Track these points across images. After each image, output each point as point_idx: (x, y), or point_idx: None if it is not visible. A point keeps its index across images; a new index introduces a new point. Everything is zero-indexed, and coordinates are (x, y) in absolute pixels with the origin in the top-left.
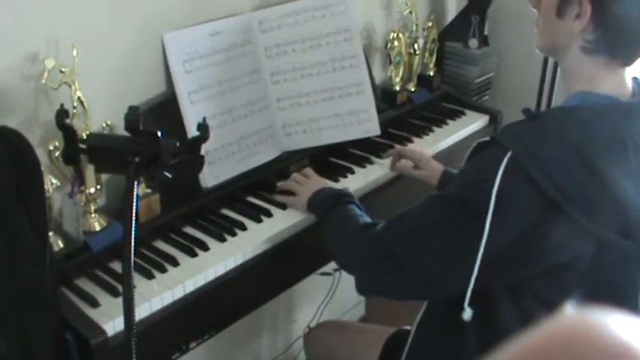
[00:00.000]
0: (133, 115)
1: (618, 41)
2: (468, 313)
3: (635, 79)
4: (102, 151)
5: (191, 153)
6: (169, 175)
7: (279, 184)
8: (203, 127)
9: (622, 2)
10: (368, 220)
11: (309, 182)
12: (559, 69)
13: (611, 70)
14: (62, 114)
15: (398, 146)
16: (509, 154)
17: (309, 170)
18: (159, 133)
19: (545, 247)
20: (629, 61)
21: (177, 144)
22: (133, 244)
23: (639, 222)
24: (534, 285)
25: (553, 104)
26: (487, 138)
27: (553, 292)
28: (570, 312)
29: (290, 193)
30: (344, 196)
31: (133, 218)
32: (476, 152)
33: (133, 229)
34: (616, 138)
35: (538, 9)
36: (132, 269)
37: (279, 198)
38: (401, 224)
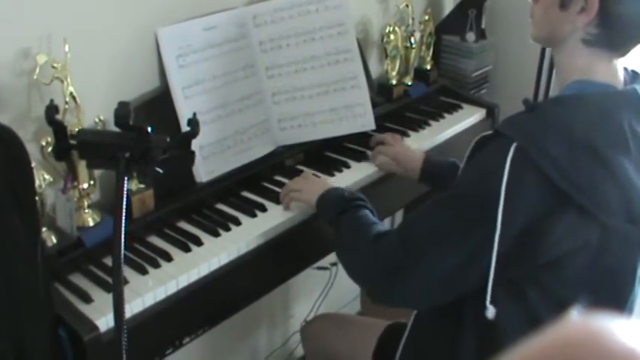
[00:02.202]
0: (122, 111)
1: (620, 36)
2: (491, 312)
3: (626, 69)
4: (92, 147)
5: (181, 148)
6: (160, 171)
7: (282, 192)
8: (193, 123)
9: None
10: (379, 228)
11: (312, 181)
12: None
13: (608, 62)
14: (52, 109)
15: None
16: (514, 145)
17: (308, 173)
18: (149, 129)
19: (553, 237)
20: (625, 54)
21: (168, 139)
22: (123, 239)
23: None
24: (537, 276)
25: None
26: (489, 132)
27: (556, 282)
28: (575, 317)
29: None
30: (357, 199)
31: (124, 214)
32: (478, 148)
33: (125, 224)
34: (616, 125)
35: None
36: (122, 265)
37: (284, 197)
38: (412, 234)
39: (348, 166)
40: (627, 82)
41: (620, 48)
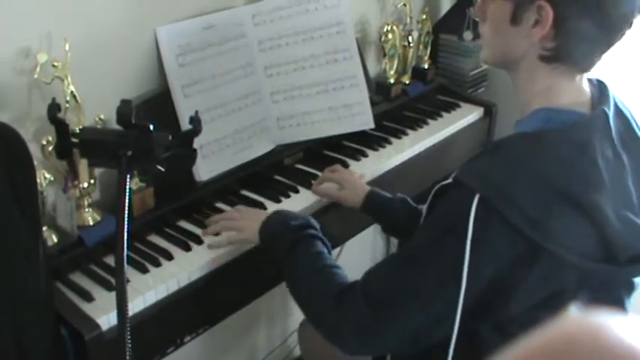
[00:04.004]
0: (125, 109)
1: (579, 48)
2: None
3: (591, 80)
4: (94, 145)
5: (183, 146)
6: (162, 169)
7: (209, 228)
8: (195, 121)
9: (585, 8)
10: (339, 278)
11: (247, 213)
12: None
13: (571, 78)
14: (54, 108)
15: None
16: (477, 197)
17: (241, 206)
18: (151, 127)
19: (525, 287)
20: (587, 68)
21: (170, 137)
22: (125, 238)
23: (619, 243)
24: (522, 318)
25: None
26: (449, 181)
27: (543, 320)
28: (574, 313)
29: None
30: (307, 227)
31: (126, 212)
32: (437, 198)
33: (126, 223)
34: (589, 161)
35: (482, 17)
36: (124, 263)
37: (218, 239)
38: (377, 297)
39: (346, 165)
40: (595, 96)
41: (581, 62)
